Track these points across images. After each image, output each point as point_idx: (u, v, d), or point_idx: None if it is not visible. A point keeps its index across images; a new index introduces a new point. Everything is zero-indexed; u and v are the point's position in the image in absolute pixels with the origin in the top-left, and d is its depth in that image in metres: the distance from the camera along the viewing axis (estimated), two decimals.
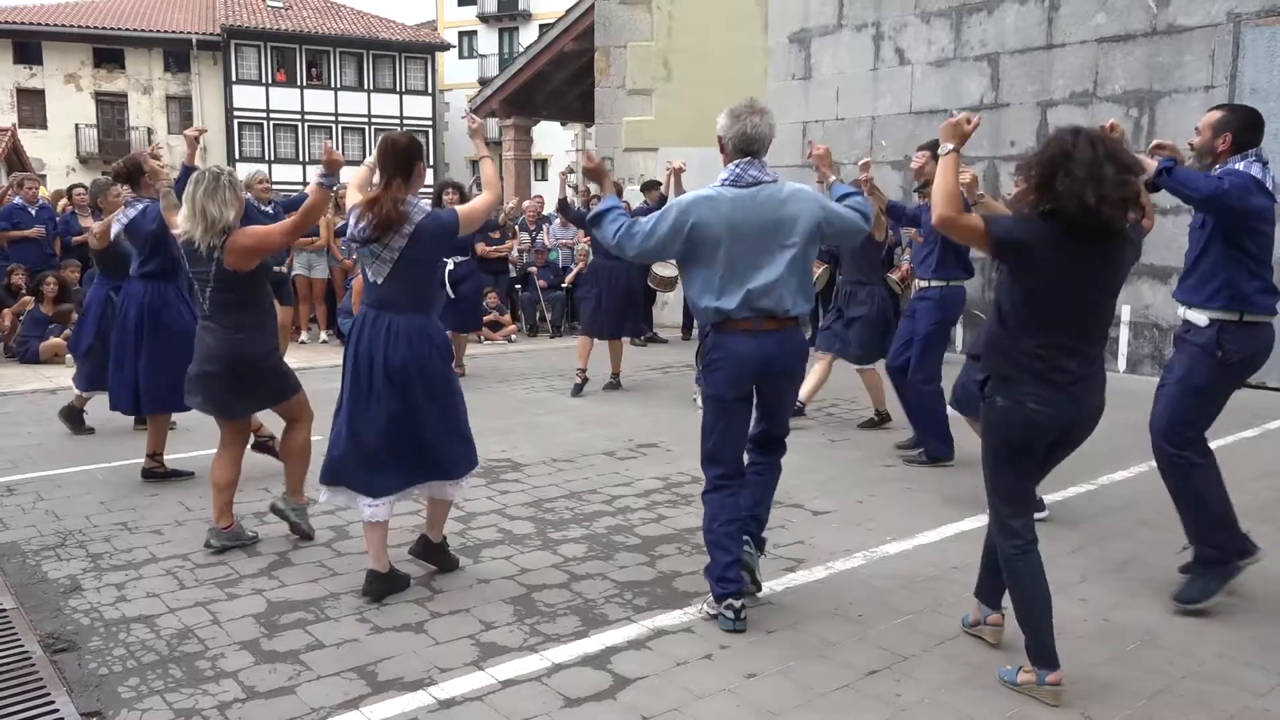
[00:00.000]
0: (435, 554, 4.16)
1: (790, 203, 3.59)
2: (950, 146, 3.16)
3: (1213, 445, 3.92)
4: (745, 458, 3.80)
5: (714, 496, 3.70)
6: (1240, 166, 3.77)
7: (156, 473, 5.52)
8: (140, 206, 5.52)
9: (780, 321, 3.61)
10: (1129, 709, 3.02)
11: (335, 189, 4.32)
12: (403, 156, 3.73)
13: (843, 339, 6.89)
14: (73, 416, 6.65)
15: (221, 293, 4.19)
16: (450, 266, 8.49)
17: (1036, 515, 3.44)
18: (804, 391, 6.91)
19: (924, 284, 5.95)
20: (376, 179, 3.82)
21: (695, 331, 8.95)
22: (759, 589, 3.83)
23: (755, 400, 3.77)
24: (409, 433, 3.77)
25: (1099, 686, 3.16)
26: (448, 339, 4.01)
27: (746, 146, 3.60)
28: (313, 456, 4.41)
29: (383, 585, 3.85)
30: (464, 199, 7.76)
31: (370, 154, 4.06)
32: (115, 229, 5.72)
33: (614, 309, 8.38)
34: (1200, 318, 3.84)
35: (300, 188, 17.83)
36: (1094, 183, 2.80)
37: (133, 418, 6.64)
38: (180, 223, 4.22)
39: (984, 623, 3.47)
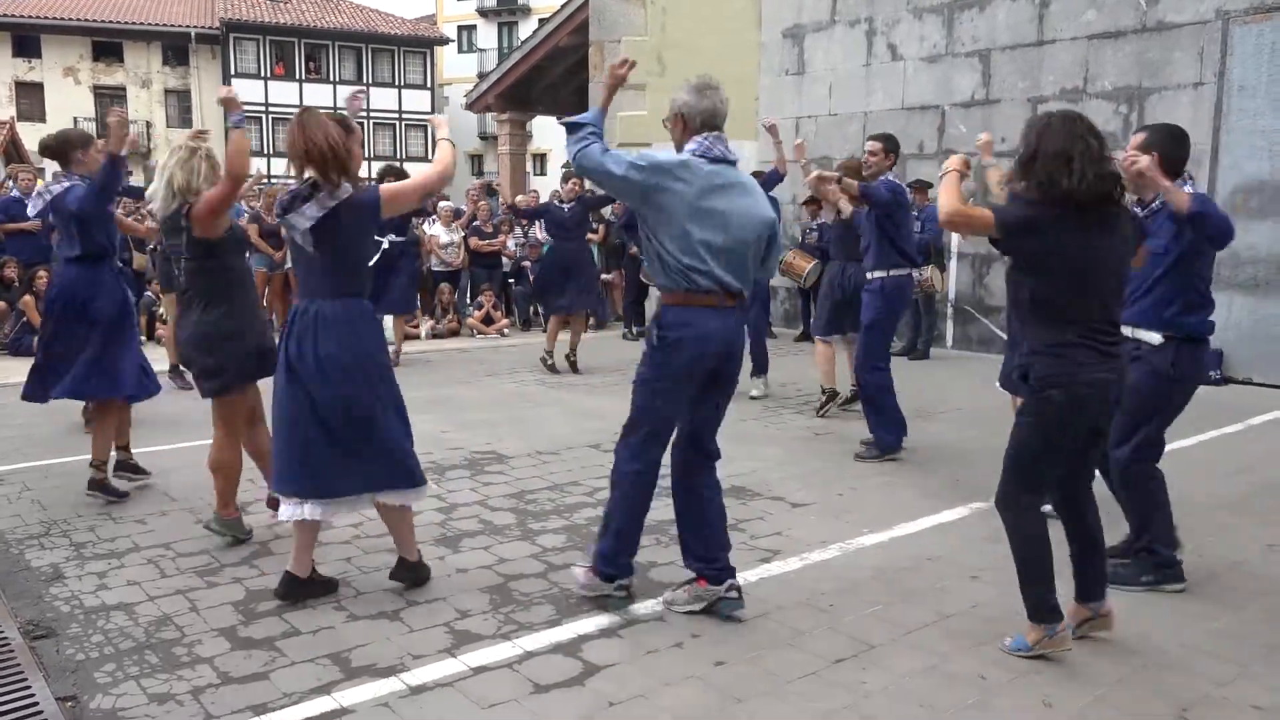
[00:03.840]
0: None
1: None
2: (951, 168, 3.39)
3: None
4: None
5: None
6: (1188, 190, 3.75)
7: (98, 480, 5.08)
8: (66, 184, 5.06)
9: None
10: (1089, 696, 3.06)
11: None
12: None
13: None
14: None
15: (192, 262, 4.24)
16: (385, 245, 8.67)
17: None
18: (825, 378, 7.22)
19: (868, 276, 6.23)
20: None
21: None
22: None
23: None
24: None
25: (1061, 674, 3.20)
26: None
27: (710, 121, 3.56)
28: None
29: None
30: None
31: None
32: (37, 205, 5.32)
33: (588, 286, 9.27)
34: (1154, 337, 3.90)
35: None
36: (1094, 165, 3.02)
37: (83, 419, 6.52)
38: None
39: (1095, 616, 3.41)
